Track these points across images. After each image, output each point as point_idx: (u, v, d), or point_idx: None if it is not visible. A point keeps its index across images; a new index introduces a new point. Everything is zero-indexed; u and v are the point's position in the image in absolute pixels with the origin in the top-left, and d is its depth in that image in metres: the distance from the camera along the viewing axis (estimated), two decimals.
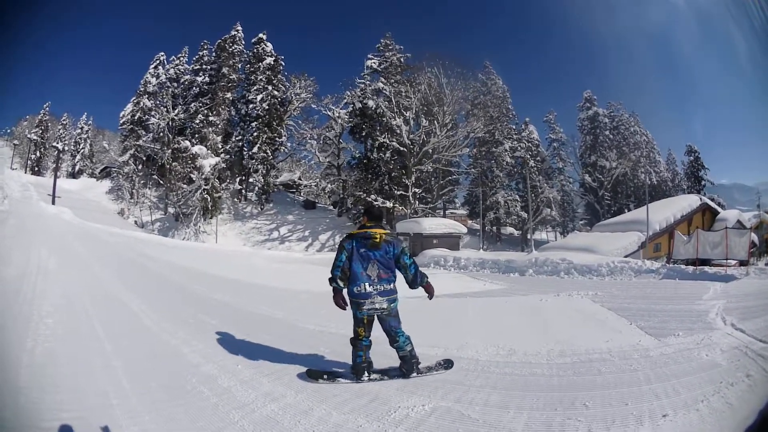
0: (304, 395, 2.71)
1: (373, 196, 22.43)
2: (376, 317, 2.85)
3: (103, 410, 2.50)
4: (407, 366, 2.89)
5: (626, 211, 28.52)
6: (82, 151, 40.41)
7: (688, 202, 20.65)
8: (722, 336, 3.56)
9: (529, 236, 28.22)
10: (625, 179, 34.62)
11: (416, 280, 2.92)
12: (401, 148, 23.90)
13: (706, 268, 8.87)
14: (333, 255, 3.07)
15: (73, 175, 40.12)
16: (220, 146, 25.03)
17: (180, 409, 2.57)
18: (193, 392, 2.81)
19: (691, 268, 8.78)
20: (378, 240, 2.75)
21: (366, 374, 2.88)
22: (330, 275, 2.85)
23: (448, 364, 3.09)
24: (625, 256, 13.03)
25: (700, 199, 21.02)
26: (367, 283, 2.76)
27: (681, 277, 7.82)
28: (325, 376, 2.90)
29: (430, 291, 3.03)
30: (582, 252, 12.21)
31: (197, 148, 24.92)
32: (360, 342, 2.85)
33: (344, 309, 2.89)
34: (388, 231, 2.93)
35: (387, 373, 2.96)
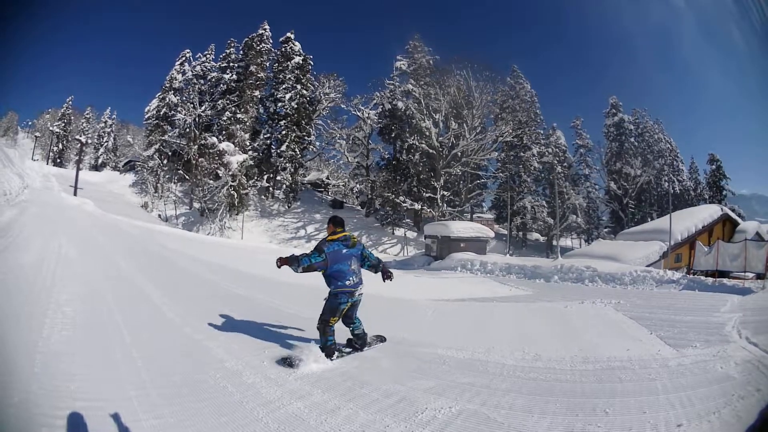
0: (332, 394, 2.67)
1: (401, 198, 22.17)
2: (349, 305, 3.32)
3: (119, 402, 2.41)
4: (361, 341, 3.51)
5: (649, 219, 28.01)
6: (106, 144, 40.83)
7: (710, 212, 20.15)
8: (737, 349, 3.59)
9: (554, 242, 27.77)
10: (649, 187, 34.02)
11: (378, 264, 3.55)
12: (430, 151, 23.64)
13: (725, 281, 8.86)
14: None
15: (96, 167, 40.55)
16: (248, 143, 24.98)
17: (203, 404, 2.49)
18: (217, 387, 2.74)
19: (710, 279, 8.76)
20: (355, 240, 3.40)
21: (337, 353, 3.33)
22: (298, 256, 3.19)
23: (381, 338, 3.78)
24: (647, 266, 12.87)
25: (721, 209, 20.52)
26: (353, 277, 3.29)
27: (700, 289, 7.84)
28: (298, 361, 3.09)
29: (388, 274, 3.59)
30: (606, 260, 12.15)
31: (224, 145, 24.90)
32: (330, 327, 3.31)
33: (279, 267, 3.25)
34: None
35: (348, 348, 3.50)
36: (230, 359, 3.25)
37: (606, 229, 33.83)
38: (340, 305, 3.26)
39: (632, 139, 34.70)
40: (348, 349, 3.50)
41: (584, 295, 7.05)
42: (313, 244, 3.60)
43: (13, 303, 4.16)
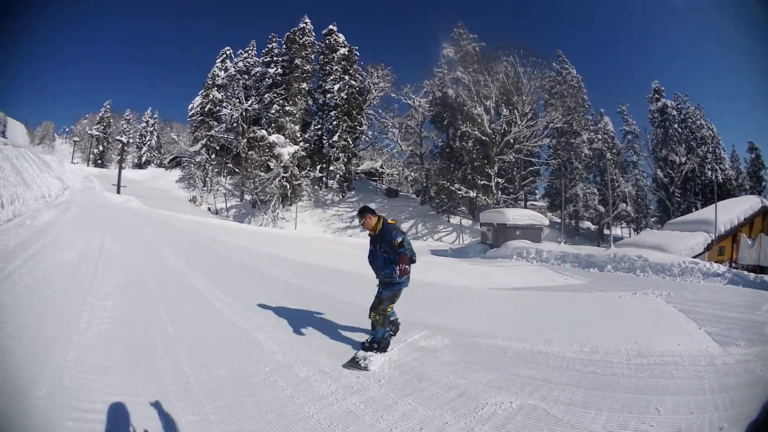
0: (389, 388, 2.54)
1: (456, 185, 21.96)
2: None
3: (155, 397, 2.25)
4: (395, 327, 3.47)
5: (694, 209, 27.11)
6: (149, 142, 41.87)
7: (750, 203, 19.24)
8: None
9: (606, 231, 27.14)
10: (694, 176, 32.95)
11: None
12: (483, 138, 23.35)
13: (766, 277, 8.50)
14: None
15: (140, 165, 41.72)
16: (299, 135, 25.17)
17: (249, 399, 2.34)
18: (266, 382, 2.60)
19: (752, 275, 8.47)
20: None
21: (391, 346, 3.19)
22: (406, 253, 3.06)
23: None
24: (692, 257, 12.60)
25: (762, 201, 19.68)
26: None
27: (744, 284, 7.71)
28: (361, 363, 2.91)
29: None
30: (654, 250, 11.94)
31: (274, 137, 25.18)
32: (387, 318, 3.11)
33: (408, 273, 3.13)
34: None
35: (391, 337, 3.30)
36: (281, 351, 3.11)
37: (653, 219, 32.90)
38: (401, 289, 3.16)
39: (675, 125, 33.66)
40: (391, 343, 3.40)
41: (636, 285, 7.07)
42: (368, 233, 3.32)
43: (50, 298, 4.12)
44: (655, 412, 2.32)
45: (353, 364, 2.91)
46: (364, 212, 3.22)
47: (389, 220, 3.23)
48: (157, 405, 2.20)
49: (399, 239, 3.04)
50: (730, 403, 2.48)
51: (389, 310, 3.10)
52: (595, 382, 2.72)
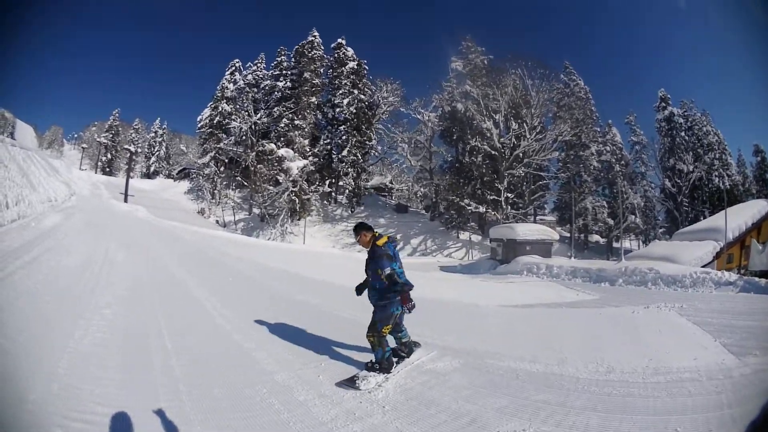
0: (394, 414, 2.41)
1: (466, 201, 21.96)
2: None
3: (146, 411, 2.21)
4: (408, 349, 3.36)
5: (702, 218, 26.97)
6: (157, 153, 42.15)
7: (758, 208, 19.11)
8: None
9: (615, 244, 27.04)
10: (701, 184, 32.81)
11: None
12: (492, 152, 23.36)
13: None
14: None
15: (149, 175, 41.99)
16: (308, 149, 25.29)
17: (242, 423, 2.25)
18: (262, 404, 2.48)
19: (764, 281, 8.53)
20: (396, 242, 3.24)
21: (394, 365, 3.11)
22: (402, 281, 2.96)
23: (417, 344, 3.59)
24: (702, 267, 12.51)
25: None
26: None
27: (756, 291, 7.71)
28: (357, 383, 2.84)
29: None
30: (664, 261, 11.85)
31: (283, 151, 25.31)
32: (385, 338, 3.04)
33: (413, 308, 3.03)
34: None
35: (395, 358, 3.20)
36: (281, 371, 3.00)
37: (661, 230, 32.73)
38: (394, 312, 3.02)
39: (683, 134, 33.52)
40: (395, 359, 3.25)
41: (648, 299, 7.00)
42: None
43: (48, 303, 4.07)
44: None
45: (350, 382, 2.84)
46: (358, 229, 3.19)
47: (381, 239, 3.11)
48: (146, 419, 2.16)
49: (387, 271, 2.89)
50: (748, 417, 2.43)
51: (385, 331, 3.01)
52: (611, 405, 2.65)
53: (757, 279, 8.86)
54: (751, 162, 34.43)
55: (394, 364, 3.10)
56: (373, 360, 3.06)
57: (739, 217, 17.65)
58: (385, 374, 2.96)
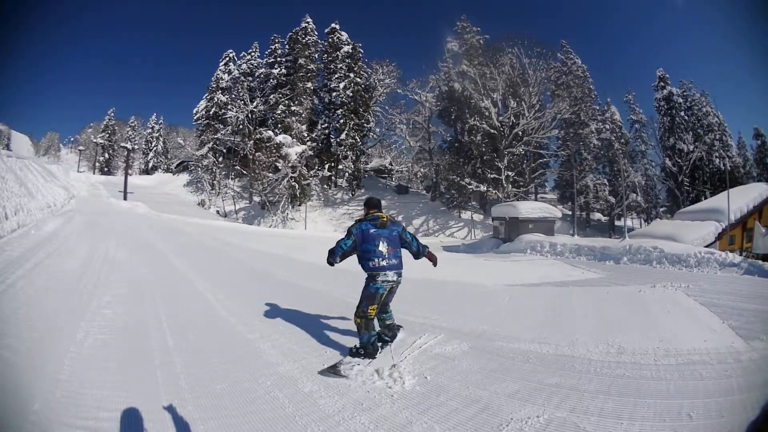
0: (403, 404, 2.34)
1: (466, 180, 21.83)
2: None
3: (148, 413, 2.16)
4: (392, 333, 3.24)
5: (703, 198, 26.89)
6: (155, 148, 41.98)
7: (759, 191, 19.05)
8: None
9: (617, 222, 26.95)
10: (702, 164, 32.68)
11: (420, 250, 3.22)
12: (492, 131, 23.21)
13: None
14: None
15: (147, 171, 41.84)
16: (306, 134, 25.13)
17: (245, 419, 2.19)
18: (266, 398, 2.42)
19: (767, 264, 8.44)
20: (385, 220, 3.06)
21: (379, 350, 3.03)
22: (333, 248, 2.96)
23: (400, 326, 3.44)
24: (705, 247, 12.51)
25: None
26: (379, 258, 2.95)
27: (760, 274, 7.63)
28: (340, 369, 2.78)
29: (432, 259, 3.30)
30: (667, 240, 11.72)
31: (281, 137, 25.14)
32: (371, 321, 2.97)
33: (333, 266, 3.03)
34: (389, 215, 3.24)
35: (383, 342, 3.13)
36: (285, 363, 2.95)
37: (662, 209, 32.64)
38: (378, 290, 2.94)
39: (682, 113, 33.37)
40: (379, 343, 3.15)
41: (654, 277, 6.93)
42: None
43: (50, 307, 4.03)
44: (687, 418, 2.25)
45: (333, 370, 2.78)
46: (364, 206, 3.26)
47: (360, 217, 3.16)
48: (148, 422, 2.14)
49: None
50: (757, 403, 2.42)
51: (371, 312, 2.95)
52: (625, 388, 2.61)
53: (761, 262, 8.81)
54: (751, 145, 34.25)
55: (379, 349, 3.04)
56: (357, 345, 3.01)
57: (740, 199, 17.59)
58: (370, 359, 2.91)
